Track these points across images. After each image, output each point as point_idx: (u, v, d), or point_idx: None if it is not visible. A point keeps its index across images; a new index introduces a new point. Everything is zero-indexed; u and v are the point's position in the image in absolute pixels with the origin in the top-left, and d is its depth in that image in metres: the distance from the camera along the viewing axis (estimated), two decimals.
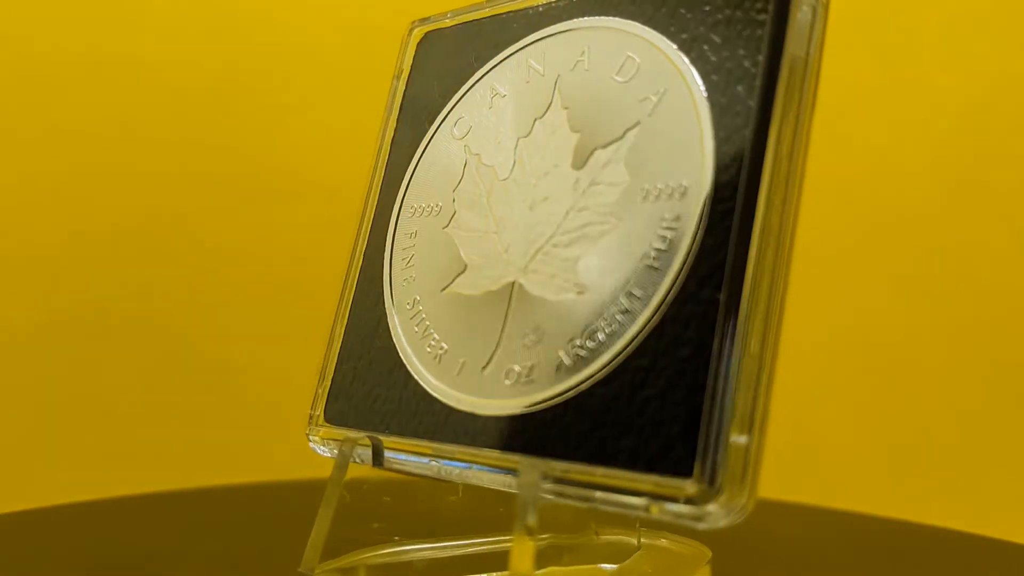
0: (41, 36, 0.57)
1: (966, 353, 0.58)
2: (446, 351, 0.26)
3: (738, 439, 0.20)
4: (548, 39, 0.27)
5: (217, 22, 0.60)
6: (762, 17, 0.23)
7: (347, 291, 0.30)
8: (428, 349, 0.26)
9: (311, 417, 0.29)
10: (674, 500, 0.20)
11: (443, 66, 0.30)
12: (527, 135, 0.27)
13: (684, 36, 0.24)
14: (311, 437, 0.29)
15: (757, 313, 0.21)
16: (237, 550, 0.34)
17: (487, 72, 0.29)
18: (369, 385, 0.27)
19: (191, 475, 0.54)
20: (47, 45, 0.57)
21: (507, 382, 0.24)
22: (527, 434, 0.23)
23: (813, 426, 0.59)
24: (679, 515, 0.20)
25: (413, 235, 0.29)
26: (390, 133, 0.31)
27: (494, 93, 0.28)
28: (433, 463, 0.25)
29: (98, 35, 0.58)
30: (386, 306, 0.28)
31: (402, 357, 0.27)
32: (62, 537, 0.36)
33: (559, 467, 0.22)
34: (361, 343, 0.28)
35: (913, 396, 0.58)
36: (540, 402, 0.23)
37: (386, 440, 0.26)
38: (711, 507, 0.20)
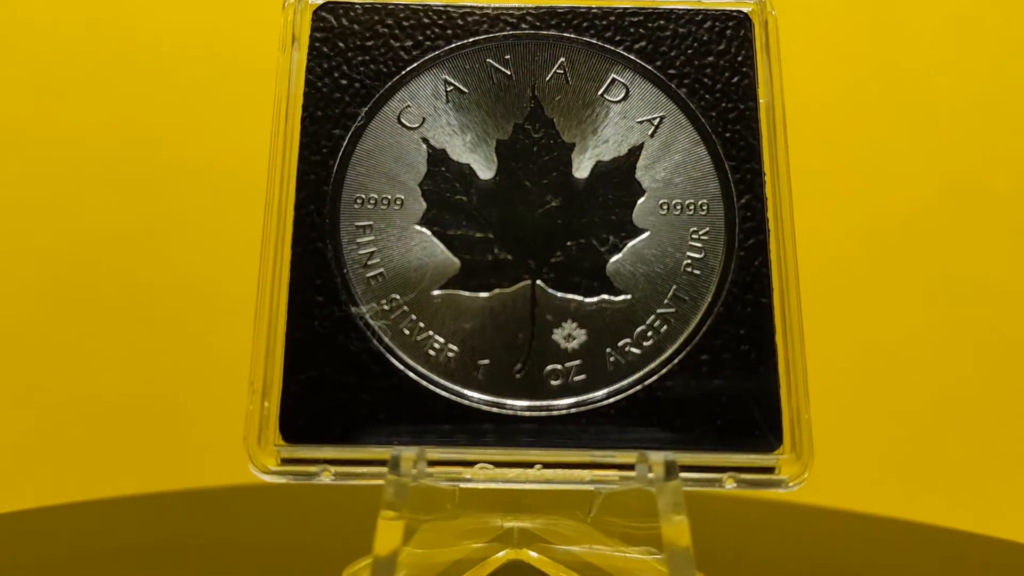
0: (40, 36, 0.57)
1: (966, 353, 0.57)
2: (457, 354, 0.25)
3: (808, 417, 0.25)
4: (508, 43, 0.28)
5: (217, 18, 0.58)
6: (746, 69, 0.28)
7: (274, 292, 0.26)
8: (431, 352, 0.25)
9: (259, 439, 0.24)
10: (762, 472, 0.24)
11: (362, 46, 0.28)
12: (507, 138, 0.27)
13: (672, 71, 0.28)
14: (255, 463, 0.24)
15: (795, 313, 0.26)
16: (237, 551, 0.34)
17: (433, 63, 0.27)
18: (351, 394, 0.25)
19: (191, 475, 0.54)
20: (45, 44, 0.57)
21: (555, 382, 0.25)
22: (598, 430, 0.25)
23: (813, 426, 0.58)
24: (764, 484, 0.25)
25: (368, 229, 0.26)
26: (295, 111, 0.27)
27: (449, 87, 0.27)
28: (486, 469, 0.24)
29: (98, 34, 0.58)
30: (351, 307, 0.25)
31: (394, 361, 0.25)
32: (62, 537, 0.36)
33: (677, 456, 0.24)
34: (319, 348, 0.25)
35: (913, 396, 0.58)
36: (600, 400, 0.25)
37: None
38: (792, 475, 0.25)
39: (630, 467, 0.24)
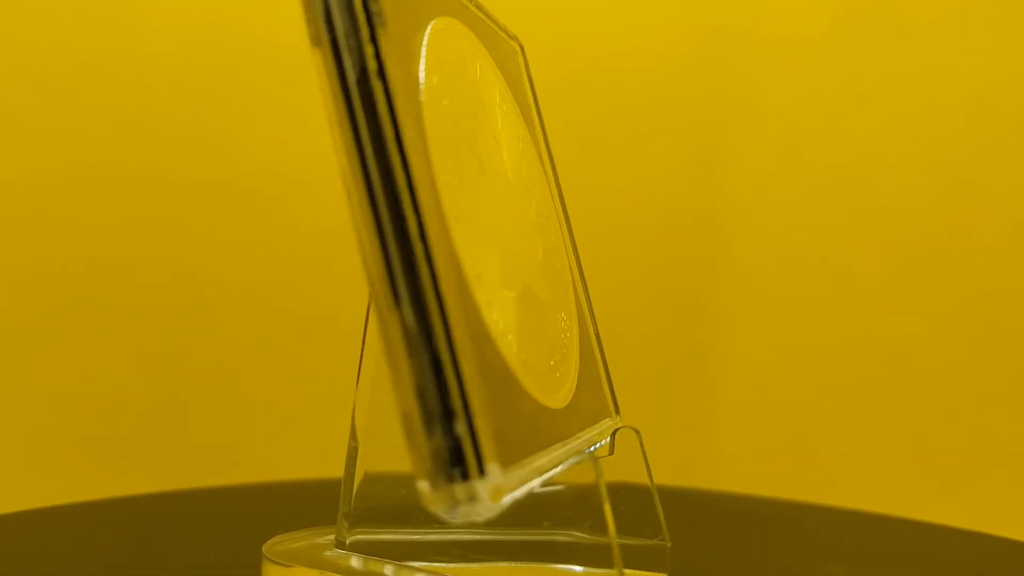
0: (41, 37, 0.57)
1: (965, 353, 0.58)
2: (529, 357, 0.24)
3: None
4: (451, 35, 0.26)
5: (218, 18, 0.58)
6: (531, 99, 0.32)
7: (441, 292, 0.20)
8: (521, 355, 0.24)
9: (485, 472, 0.19)
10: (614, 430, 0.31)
11: None
12: (476, 135, 0.26)
13: (517, 94, 0.30)
14: (482, 496, 0.20)
15: (590, 312, 0.32)
16: (236, 551, 0.33)
17: (429, 36, 0.24)
18: (513, 406, 0.22)
19: (190, 475, 0.53)
20: (46, 45, 0.57)
21: (557, 374, 0.27)
22: (582, 411, 0.27)
23: (813, 426, 0.59)
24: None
25: (459, 220, 0.22)
26: (392, 62, 0.20)
27: (444, 67, 0.24)
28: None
29: (97, 35, 0.57)
30: (477, 311, 0.22)
31: (514, 368, 0.23)
32: (62, 537, 0.35)
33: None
34: (479, 361, 0.21)
35: (913, 396, 0.59)
36: (572, 385, 0.28)
37: None
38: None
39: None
